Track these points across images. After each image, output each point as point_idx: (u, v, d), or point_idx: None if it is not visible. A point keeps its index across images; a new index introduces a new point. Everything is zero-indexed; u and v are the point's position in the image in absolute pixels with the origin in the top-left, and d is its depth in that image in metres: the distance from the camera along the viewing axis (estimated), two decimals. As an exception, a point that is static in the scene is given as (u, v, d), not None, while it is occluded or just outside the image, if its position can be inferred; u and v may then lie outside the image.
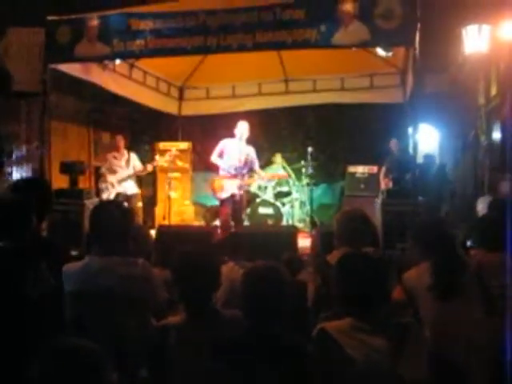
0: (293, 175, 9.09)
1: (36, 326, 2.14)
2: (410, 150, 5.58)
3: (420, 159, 7.77)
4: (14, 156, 7.35)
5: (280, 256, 3.65)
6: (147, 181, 9.16)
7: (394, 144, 8.74)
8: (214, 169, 7.31)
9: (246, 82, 9.05)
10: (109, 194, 7.60)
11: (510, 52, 6.51)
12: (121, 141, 7.93)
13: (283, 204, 8.39)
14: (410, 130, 5.73)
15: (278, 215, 7.89)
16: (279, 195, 8.44)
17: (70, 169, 6.23)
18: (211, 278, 2.38)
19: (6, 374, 1.97)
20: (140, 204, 8.16)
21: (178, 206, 8.73)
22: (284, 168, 9.05)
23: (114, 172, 7.74)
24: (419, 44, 5.11)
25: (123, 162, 7.84)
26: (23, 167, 7.37)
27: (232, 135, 7.16)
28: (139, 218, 7.84)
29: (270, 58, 7.83)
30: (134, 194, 7.86)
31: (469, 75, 8.55)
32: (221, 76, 8.66)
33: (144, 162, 8.06)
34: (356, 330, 2.10)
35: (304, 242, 6.05)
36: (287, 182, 8.79)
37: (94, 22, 5.87)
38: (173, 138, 9.48)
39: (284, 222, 7.99)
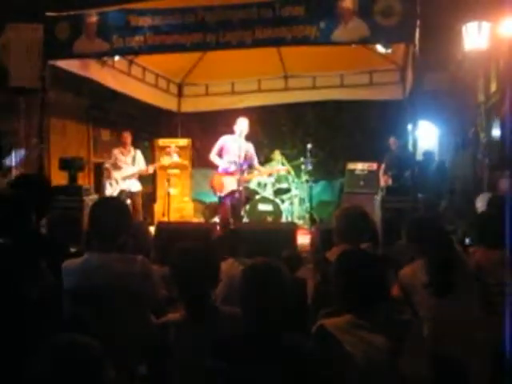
0: (292, 172, 9.09)
1: (35, 325, 2.13)
2: (410, 147, 5.58)
3: (419, 156, 7.78)
4: (13, 153, 7.34)
5: (279, 253, 3.65)
6: (146, 177, 9.14)
7: (393, 141, 8.75)
8: (213, 165, 7.31)
9: (245, 78, 9.03)
10: (113, 191, 7.57)
11: (510, 49, 6.49)
12: (128, 137, 7.87)
13: (282, 201, 8.39)
14: (410, 126, 5.73)
15: (277, 212, 7.89)
16: (279, 192, 8.43)
17: (69, 165, 6.22)
18: (210, 274, 2.38)
19: (6, 372, 1.97)
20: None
21: (178, 202, 8.73)
22: (283, 165, 9.05)
23: (118, 168, 7.69)
24: (419, 41, 5.10)
25: (130, 159, 7.81)
26: (22, 164, 7.36)
27: (231, 132, 7.16)
28: (141, 215, 7.84)
29: (270, 54, 7.82)
30: (138, 191, 7.85)
31: (468, 72, 8.55)
32: (220, 72, 8.65)
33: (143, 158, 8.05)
34: (355, 327, 2.10)
35: (303, 239, 6.05)
36: (286, 179, 8.79)
37: (93, 18, 5.86)
38: (172, 134, 9.48)
39: (283, 219, 7.99)
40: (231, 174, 7.08)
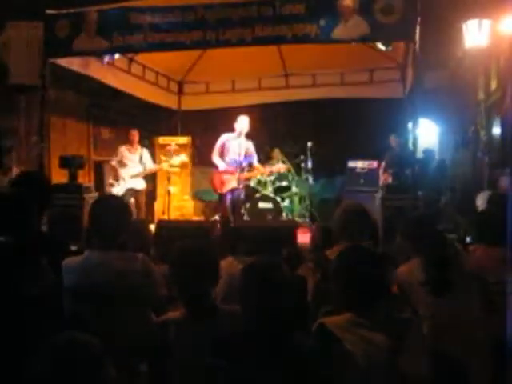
0: (292, 170, 9.08)
1: (35, 323, 2.13)
2: (410, 145, 5.58)
3: (420, 154, 7.78)
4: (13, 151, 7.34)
5: (280, 251, 3.65)
6: (146, 176, 9.15)
7: (393, 139, 8.75)
8: (213, 164, 7.31)
9: (245, 76, 9.03)
10: (120, 189, 7.55)
11: (510, 47, 6.49)
12: (135, 135, 7.87)
13: (283, 199, 8.39)
14: (410, 125, 5.73)
15: (277, 210, 7.89)
16: (279, 190, 8.43)
17: (70, 163, 6.22)
18: (210, 273, 2.38)
19: (6, 370, 1.97)
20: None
21: (178, 200, 8.74)
22: (283, 163, 9.05)
23: (124, 165, 7.66)
24: (419, 39, 5.09)
25: (137, 157, 7.79)
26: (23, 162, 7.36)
27: (232, 130, 7.16)
28: (144, 214, 7.83)
29: (270, 52, 7.81)
30: (142, 189, 7.84)
31: (469, 70, 8.54)
32: (220, 71, 8.64)
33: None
34: (356, 325, 2.10)
35: (304, 237, 6.04)
36: (287, 177, 8.79)
37: (93, 16, 5.85)
38: (172, 132, 9.48)
39: (283, 217, 7.99)
40: (231, 172, 7.08)
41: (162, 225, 5.27)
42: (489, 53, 7.27)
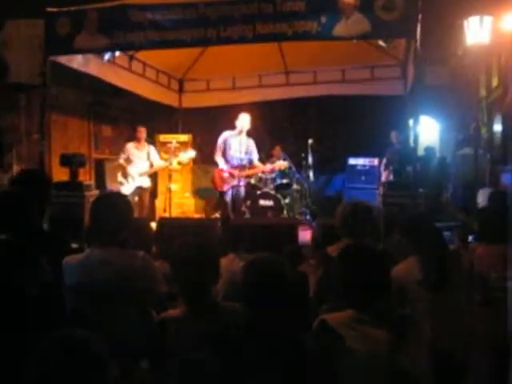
0: (293, 167, 9.08)
1: (36, 321, 2.13)
2: (411, 143, 5.57)
3: (421, 151, 7.77)
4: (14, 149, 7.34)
5: (281, 248, 3.65)
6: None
7: (394, 136, 8.74)
8: (214, 161, 7.32)
9: (246, 74, 9.02)
10: (129, 187, 7.53)
11: (512, 43, 6.49)
12: (143, 132, 7.84)
13: (284, 196, 8.38)
14: (411, 122, 5.72)
15: (278, 207, 7.89)
16: (280, 187, 8.43)
17: (71, 161, 6.22)
18: (211, 270, 2.38)
19: (6, 370, 1.97)
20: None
21: (179, 198, 8.75)
22: (284, 160, 9.04)
23: (131, 162, 7.64)
24: (420, 36, 5.08)
25: (144, 154, 7.78)
26: (23, 160, 7.36)
27: (232, 127, 7.15)
28: (147, 211, 7.83)
29: (271, 49, 7.80)
30: (148, 187, 7.83)
31: (470, 67, 8.53)
32: (221, 68, 8.64)
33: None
34: (357, 321, 2.10)
35: (304, 234, 6.05)
36: (287, 174, 8.78)
37: (94, 13, 5.84)
38: (173, 130, 9.48)
39: (284, 215, 7.99)
40: (232, 169, 7.09)
41: (163, 222, 5.28)
42: (490, 50, 7.25)
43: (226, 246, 3.62)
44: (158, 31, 5.68)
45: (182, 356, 2.18)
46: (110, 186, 8.70)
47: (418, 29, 5.04)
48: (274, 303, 2.08)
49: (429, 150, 9.17)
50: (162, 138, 9.05)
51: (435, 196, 7.36)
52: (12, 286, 2.21)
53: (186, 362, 2.16)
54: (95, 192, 6.17)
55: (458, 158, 8.70)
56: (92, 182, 7.03)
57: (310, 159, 8.64)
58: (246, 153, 7.17)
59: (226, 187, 7.11)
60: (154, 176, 8.87)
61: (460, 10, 7.04)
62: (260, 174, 7.97)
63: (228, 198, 7.15)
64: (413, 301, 2.71)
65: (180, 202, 8.81)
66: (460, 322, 2.62)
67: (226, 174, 7.12)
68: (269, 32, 5.43)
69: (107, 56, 6.81)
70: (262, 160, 8.09)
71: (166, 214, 7.57)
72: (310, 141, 8.53)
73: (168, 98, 9.26)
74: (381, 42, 6.49)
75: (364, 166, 9.33)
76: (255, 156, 7.38)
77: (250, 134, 7.25)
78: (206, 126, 9.99)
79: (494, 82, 7.87)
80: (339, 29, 5.20)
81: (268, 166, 7.82)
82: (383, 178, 8.40)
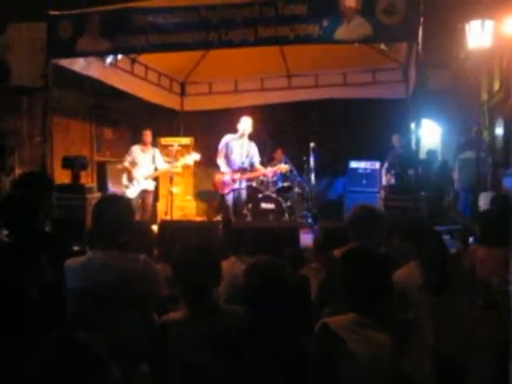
0: (295, 170, 9.08)
1: (36, 323, 2.13)
2: (413, 146, 5.57)
3: (423, 155, 7.77)
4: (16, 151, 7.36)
5: (282, 251, 3.65)
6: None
7: (396, 139, 8.74)
8: (215, 164, 7.32)
9: (248, 77, 9.04)
10: (134, 191, 7.55)
11: (513, 47, 6.49)
12: (149, 135, 7.85)
13: (285, 199, 8.38)
14: (413, 125, 5.72)
15: (279, 210, 7.88)
16: (281, 190, 8.43)
17: (72, 164, 6.23)
18: (212, 273, 2.38)
19: (6, 370, 1.97)
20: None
21: (180, 201, 8.74)
22: (286, 163, 9.05)
23: (136, 165, 7.64)
24: (422, 39, 5.08)
25: (149, 157, 7.79)
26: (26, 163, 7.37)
27: (234, 130, 7.16)
28: (149, 214, 7.83)
29: (272, 53, 7.81)
30: (151, 190, 7.84)
31: (471, 71, 8.53)
32: (223, 71, 8.65)
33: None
34: (359, 325, 2.09)
35: (306, 238, 6.05)
36: (289, 178, 8.78)
37: (96, 17, 5.86)
38: (175, 133, 9.48)
39: (286, 218, 7.99)
40: (233, 172, 7.09)
41: (164, 225, 5.28)
42: (492, 53, 7.25)
43: (228, 248, 3.62)
44: (160, 34, 5.70)
45: (183, 359, 2.18)
46: (112, 189, 8.72)
47: (420, 32, 5.05)
48: (276, 306, 2.07)
49: (430, 153, 9.17)
50: (164, 141, 9.05)
51: (437, 200, 7.36)
52: (12, 285, 2.21)
53: (188, 364, 2.16)
54: (97, 195, 6.19)
55: (460, 161, 8.68)
56: (94, 185, 7.04)
57: (312, 162, 8.63)
58: (248, 156, 7.17)
59: (227, 190, 7.11)
60: (155, 179, 8.89)
61: (462, 14, 7.05)
62: (261, 177, 7.98)
63: (229, 201, 7.15)
64: (415, 305, 2.70)
65: (181, 204, 8.81)
66: (461, 326, 2.62)
67: (227, 177, 7.12)
68: (270, 35, 5.44)
69: (109, 59, 6.83)
70: (264, 163, 8.09)
71: (168, 217, 7.57)
72: (312, 144, 8.53)
73: (170, 101, 9.28)
74: (382, 46, 6.50)
75: (365, 169, 9.33)
76: (257, 159, 7.38)
77: (251, 137, 7.26)
78: (207, 129, 9.99)
79: (496, 86, 7.87)
80: (341, 32, 5.21)
81: (269, 170, 7.82)
82: (384, 182, 8.40)
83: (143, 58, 7.82)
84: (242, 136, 7.14)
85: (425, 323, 2.61)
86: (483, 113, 8.53)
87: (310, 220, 8.57)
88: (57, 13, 6.02)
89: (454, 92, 8.92)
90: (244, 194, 7.31)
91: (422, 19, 5.03)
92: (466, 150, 8.96)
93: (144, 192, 7.63)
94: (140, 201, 7.56)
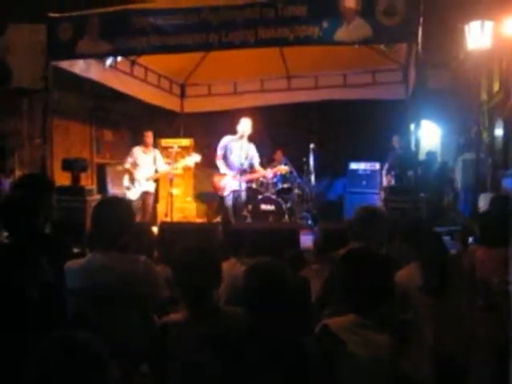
0: (294, 172, 9.08)
1: (36, 322, 2.14)
2: (412, 147, 5.57)
3: (422, 156, 7.78)
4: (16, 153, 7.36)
5: (282, 253, 3.65)
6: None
7: (396, 141, 8.74)
8: (215, 166, 7.32)
9: (247, 78, 9.04)
10: (135, 192, 7.55)
11: (513, 48, 6.49)
12: (150, 137, 7.87)
13: (285, 201, 8.38)
14: (412, 126, 5.72)
15: (279, 212, 7.88)
16: (281, 192, 8.43)
17: (72, 166, 6.23)
18: (212, 274, 2.38)
19: (6, 370, 1.97)
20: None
21: (180, 202, 8.74)
22: (285, 164, 9.05)
23: (137, 167, 7.65)
24: (421, 40, 5.09)
25: (151, 159, 7.80)
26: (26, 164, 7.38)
27: (234, 132, 7.16)
28: (150, 216, 7.83)
29: (272, 54, 7.81)
30: (152, 191, 7.85)
31: (471, 71, 8.53)
32: (223, 73, 8.65)
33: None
34: (359, 326, 2.10)
35: (306, 239, 6.04)
36: (289, 179, 8.78)
37: (96, 19, 5.86)
38: (175, 134, 9.48)
39: (286, 219, 7.99)
40: (233, 174, 7.09)
41: (164, 227, 5.28)
42: (491, 54, 7.26)
43: (228, 250, 3.62)
44: (160, 36, 5.70)
45: (183, 360, 2.18)
46: (112, 190, 8.72)
47: (420, 33, 5.05)
48: (276, 308, 2.07)
49: (430, 154, 9.18)
50: (164, 142, 9.05)
51: (436, 201, 7.36)
52: (12, 286, 2.21)
53: (188, 365, 2.16)
54: (97, 197, 6.18)
55: (461, 162, 8.69)
56: (94, 187, 7.04)
57: (312, 163, 8.64)
58: (247, 158, 7.17)
59: (226, 192, 7.11)
60: (156, 180, 8.89)
61: (461, 15, 7.06)
62: (261, 179, 7.98)
63: (229, 202, 7.15)
64: (415, 306, 2.70)
65: (181, 206, 8.81)
66: (461, 327, 2.62)
67: (226, 179, 7.12)
68: (270, 37, 5.44)
69: (109, 61, 6.83)
70: (264, 164, 8.09)
71: (168, 219, 7.57)
72: (312, 145, 8.53)
73: (170, 102, 9.28)
74: (382, 47, 6.51)
75: (365, 170, 9.34)
76: (256, 161, 7.38)
77: (251, 138, 7.26)
78: (207, 131, 9.99)
79: (495, 87, 7.88)
80: (340, 34, 5.21)
81: (269, 171, 7.82)
82: (385, 183, 8.40)
83: (143, 59, 7.82)
84: (241, 137, 7.13)
85: (425, 324, 2.61)
86: (483, 113, 8.54)
87: (310, 221, 8.57)
88: (57, 15, 6.03)
89: (453, 92, 8.93)
90: (244, 195, 7.31)
91: (421, 20, 5.03)
92: (466, 151, 8.97)
93: (145, 193, 7.65)
94: (141, 202, 7.57)
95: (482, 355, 2.60)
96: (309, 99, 9.11)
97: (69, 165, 6.24)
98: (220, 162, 7.20)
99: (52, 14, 6.01)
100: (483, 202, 5.38)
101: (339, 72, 8.49)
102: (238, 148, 7.12)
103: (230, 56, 7.09)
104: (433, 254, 2.79)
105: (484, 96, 8.56)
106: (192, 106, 9.51)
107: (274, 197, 8.05)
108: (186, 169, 8.65)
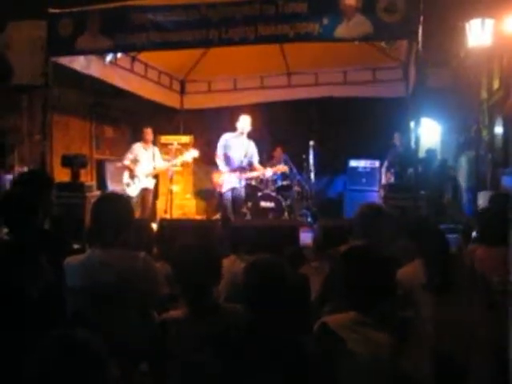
0: (294, 169, 9.08)
1: (35, 321, 2.13)
2: (412, 145, 5.57)
3: (422, 154, 7.76)
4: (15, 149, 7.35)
5: (282, 250, 3.65)
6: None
7: (397, 138, 8.72)
8: (215, 163, 7.32)
9: (247, 75, 9.03)
10: (135, 189, 7.55)
11: (513, 46, 6.48)
12: (150, 133, 7.89)
13: (285, 198, 8.38)
14: (412, 124, 5.71)
15: (279, 209, 7.88)
16: (280, 189, 8.42)
17: (72, 162, 6.23)
18: (212, 271, 2.38)
19: (6, 369, 1.97)
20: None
21: (180, 199, 8.74)
22: (285, 162, 9.04)
23: (137, 163, 7.65)
24: (422, 37, 5.08)
25: (150, 155, 7.80)
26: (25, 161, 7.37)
27: (234, 129, 7.15)
28: (149, 212, 7.83)
29: (272, 51, 7.80)
30: (151, 188, 7.85)
31: (471, 69, 8.52)
32: (223, 69, 8.64)
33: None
34: (359, 324, 2.09)
35: (306, 236, 6.04)
36: (288, 176, 8.78)
37: (96, 15, 5.86)
38: (174, 131, 9.47)
39: (285, 216, 7.98)
40: (233, 171, 7.09)
41: (164, 223, 5.27)
42: (492, 52, 7.25)
43: (227, 247, 3.62)
44: (160, 32, 5.69)
45: (182, 358, 2.18)
46: (112, 187, 8.71)
47: (420, 31, 5.05)
48: (275, 305, 2.07)
49: (430, 152, 9.16)
50: (164, 139, 9.05)
51: (437, 198, 7.36)
52: (11, 284, 2.21)
53: (187, 363, 2.16)
54: (96, 193, 6.18)
55: (463, 162, 8.69)
56: (93, 183, 7.04)
57: (311, 161, 8.63)
58: (246, 155, 7.17)
59: (225, 189, 7.11)
60: (155, 177, 8.88)
61: (462, 13, 7.04)
62: (261, 176, 7.98)
63: (228, 199, 7.14)
64: (417, 304, 2.70)
65: (181, 203, 8.81)
66: (462, 326, 2.62)
67: (225, 176, 7.11)
68: (270, 33, 5.44)
69: (109, 57, 6.82)
70: (263, 162, 8.08)
71: (167, 216, 7.57)
72: (312, 142, 8.53)
73: (170, 99, 9.27)
74: (382, 44, 6.50)
75: (365, 168, 9.33)
76: (255, 158, 7.37)
77: (251, 135, 7.25)
78: (207, 128, 9.97)
79: (496, 85, 7.86)
80: (341, 30, 5.21)
81: (268, 171, 7.80)
82: (384, 181, 8.39)
83: (143, 56, 7.81)
84: (241, 134, 7.13)
85: (428, 322, 2.61)
86: (483, 111, 8.53)
87: (309, 218, 8.57)
88: (57, 11, 6.02)
89: (453, 90, 8.91)
90: (243, 192, 7.31)
91: (422, 18, 5.03)
92: (466, 149, 8.96)
93: (144, 190, 7.65)
94: (140, 199, 7.56)
95: (481, 355, 2.60)
96: (309, 96, 9.11)
97: (68, 161, 6.24)
98: (220, 161, 7.19)
99: (52, 10, 6.01)
100: (482, 200, 5.38)
101: (339, 69, 8.49)
102: (238, 145, 7.12)
103: (230, 52, 7.09)
104: (435, 252, 2.78)
105: (484, 94, 8.55)
106: (192, 102, 9.50)
107: (273, 194, 8.05)
108: (186, 166, 8.65)
